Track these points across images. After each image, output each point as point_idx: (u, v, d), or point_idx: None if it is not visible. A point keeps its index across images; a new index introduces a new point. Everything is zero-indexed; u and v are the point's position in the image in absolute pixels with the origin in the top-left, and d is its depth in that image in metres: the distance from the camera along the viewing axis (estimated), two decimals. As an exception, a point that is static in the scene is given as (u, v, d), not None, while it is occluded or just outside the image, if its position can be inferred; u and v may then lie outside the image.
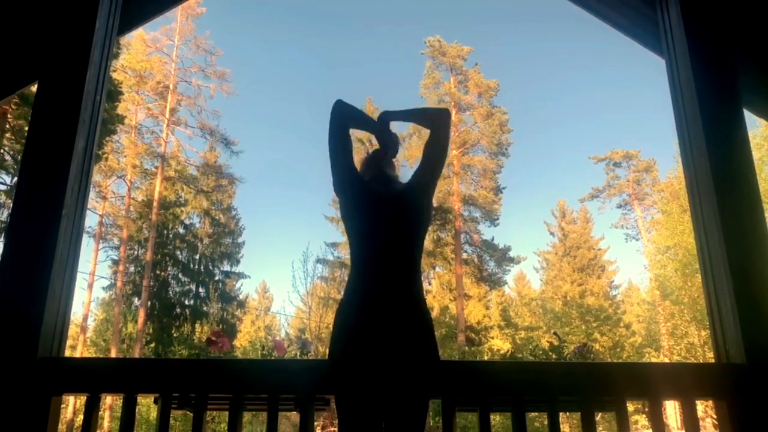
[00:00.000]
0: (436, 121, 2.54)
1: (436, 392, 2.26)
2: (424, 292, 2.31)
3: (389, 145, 2.62)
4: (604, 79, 51.48)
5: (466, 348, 26.21)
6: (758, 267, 2.61)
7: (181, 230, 29.35)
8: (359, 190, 2.39)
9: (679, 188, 23.48)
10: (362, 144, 30.19)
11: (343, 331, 2.17)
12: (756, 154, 17.86)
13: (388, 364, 2.07)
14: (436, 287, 28.66)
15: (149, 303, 26.78)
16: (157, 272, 27.85)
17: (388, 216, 2.30)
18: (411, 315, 2.15)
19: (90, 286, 27.10)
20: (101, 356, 26.74)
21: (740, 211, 2.68)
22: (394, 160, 2.67)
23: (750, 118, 3.20)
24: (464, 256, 29.36)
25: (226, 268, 29.80)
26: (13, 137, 14.01)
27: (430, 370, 2.12)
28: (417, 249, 2.30)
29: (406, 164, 30.22)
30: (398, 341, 2.09)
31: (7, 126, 13.74)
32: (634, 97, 51.53)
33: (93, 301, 28.95)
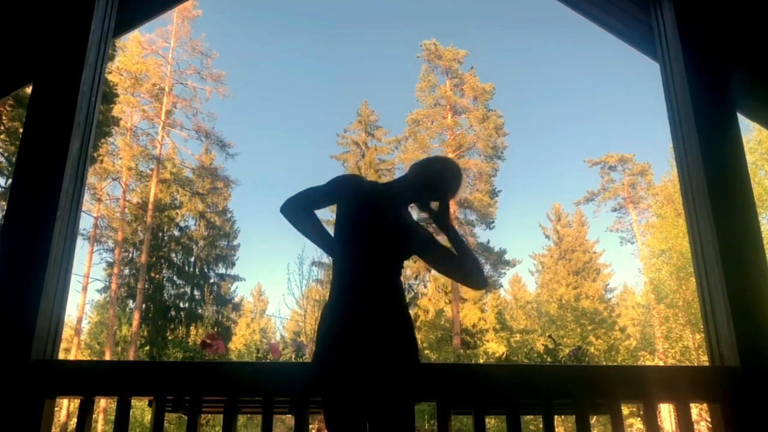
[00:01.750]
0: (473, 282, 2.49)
1: (420, 396, 2.28)
2: (405, 297, 2.34)
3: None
4: (600, 82, 51.74)
5: (462, 351, 26.21)
6: (752, 270, 2.61)
7: (176, 233, 29.29)
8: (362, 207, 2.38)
9: (673, 192, 23.58)
10: (358, 147, 30.22)
11: (327, 335, 2.21)
12: (750, 158, 17.95)
13: (372, 367, 2.09)
14: (432, 290, 28.65)
15: (144, 305, 26.70)
16: (152, 275, 27.77)
17: (383, 239, 2.32)
18: (392, 318, 2.19)
19: (84, 288, 27.01)
20: (95, 359, 26.64)
21: (734, 215, 2.69)
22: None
23: (744, 122, 3.22)
24: (460, 259, 29.31)
25: (221, 270, 29.76)
26: (7, 139, 13.97)
27: (412, 373, 2.14)
28: (399, 264, 2.36)
29: (401, 166, 30.26)
30: (380, 345, 2.13)
31: (2, 127, 13.69)
32: (629, 100, 51.78)
33: (87, 303, 28.89)
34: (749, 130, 18.05)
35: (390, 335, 2.15)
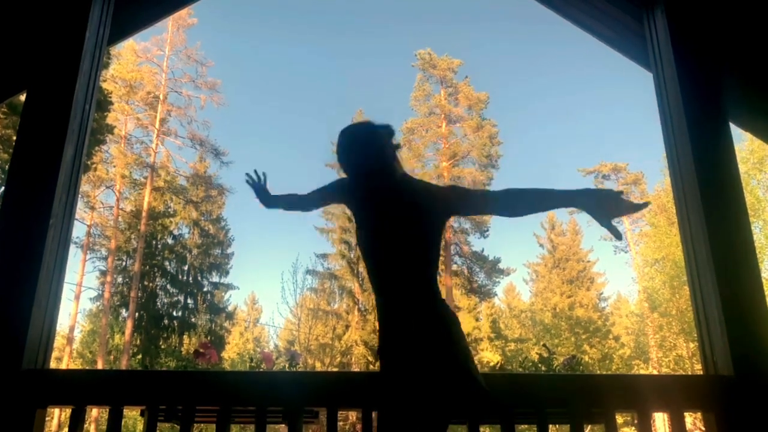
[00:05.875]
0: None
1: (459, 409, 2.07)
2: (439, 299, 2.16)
3: None
4: (594, 92, 52.05)
5: (456, 360, 26.08)
6: (745, 279, 2.62)
7: (170, 241, 29.18)
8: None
9: (666, 201, 23.67)
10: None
11: (383, 348, 2.11)
12: (742, 168, 18.08)
13: (416, 377, 1.96)
14: (426, 299, 28.55)
15: (137, 314, 26.54)
16: (145, 283, 27.64)
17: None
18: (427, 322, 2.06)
19: (77, 296, 26.88)
20: (87, 368, 26.44)
21: (727, 224, 2.71)
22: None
23: (736, 131, 3.24)
24: (454, 267, 29.38)
25: (215, 279, 29.64)
26: (0, 146, 13.90)
27: (450, 382, 1.97)
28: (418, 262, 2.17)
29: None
30: (420, 352, 2.00)
31: (-5, 135, 13.64)
32: (623, 109, 52.03)
33: (80, 312, 28.70)
34: (741, 139, 18.20)
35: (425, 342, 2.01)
